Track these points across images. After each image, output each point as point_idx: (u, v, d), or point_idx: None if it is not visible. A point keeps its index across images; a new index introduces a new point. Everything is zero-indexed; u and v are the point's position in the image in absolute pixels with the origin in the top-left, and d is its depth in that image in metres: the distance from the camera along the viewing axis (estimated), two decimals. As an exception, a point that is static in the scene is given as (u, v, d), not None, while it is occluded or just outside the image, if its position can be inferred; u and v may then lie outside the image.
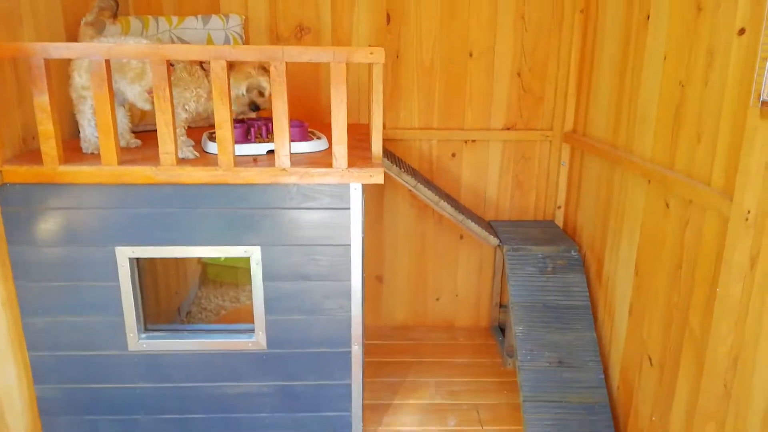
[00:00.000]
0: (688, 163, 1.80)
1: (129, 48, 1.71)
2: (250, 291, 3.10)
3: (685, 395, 1.78)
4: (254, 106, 2.04)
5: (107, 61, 1.70)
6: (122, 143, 2.09)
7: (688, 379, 1.77)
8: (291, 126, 1.87)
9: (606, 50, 2.47)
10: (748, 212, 1.48)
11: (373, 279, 3.13)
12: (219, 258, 3.09)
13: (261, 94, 2.03)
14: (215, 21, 2.54)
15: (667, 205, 1.92)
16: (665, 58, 1.96)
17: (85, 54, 1.72)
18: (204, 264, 3.17)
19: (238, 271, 3.09)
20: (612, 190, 2.38)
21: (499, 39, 2.80)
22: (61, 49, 1.71)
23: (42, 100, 1.71)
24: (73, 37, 2.28)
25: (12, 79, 1.89)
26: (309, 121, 2.38)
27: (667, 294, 1.91)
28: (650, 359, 2.02)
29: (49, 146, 1.75)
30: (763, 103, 1.42)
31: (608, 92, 2.44)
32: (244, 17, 2.62)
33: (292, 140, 1.93)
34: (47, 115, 1.72)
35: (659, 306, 1.96)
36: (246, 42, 2.66)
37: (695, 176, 1.76)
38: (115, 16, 2.26)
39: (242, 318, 3.01)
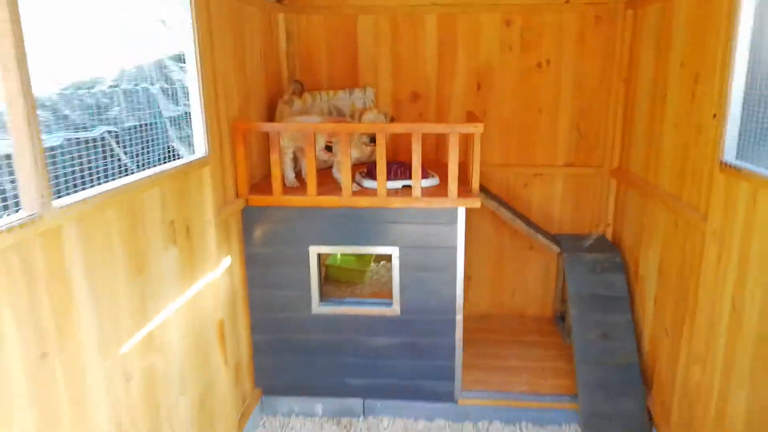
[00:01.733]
0: (690, 197, 2.70)
1: (327, 126, 2.84)
2: (362, 287, 4.11)
3: (685, 350, 2.66)
4: (373, 139, 2.89)
5: (314, 134, 2.82)
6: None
7: (687, 339, 2.65)
8: (420, 170, 2.90)
9: (640, 110, 3.38)
10: (715, 230, 2.38)
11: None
12: (337, 260, 4.18)
13: None
14: (357, 93, 3.65)
15: (677, 224, 2.82)
16: (675, 125, 2.87)
17: (302, 130, 2.85)
18: (327, 266, 4.24)
19: (352, 272, 4.14)
20: (645, 212, 3.27)
21: (561, 100, 3.77)
22: (289, 127, 2.85)
23: (275, 157, 2.85)
24: (271, 107, 3.45)
25: (248, 142, 3.05)
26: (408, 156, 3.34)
27: (678, 285, 2.80)
28: (666, 331, 2.90)
29: (277, 184, 2.88)
30: (721, 163, 2.33)
31: (642, 142, 3.34)
32: (375, 89, 3.73)
33: (420, 179, 2.98)
34: (276, 165, 2.86)
35: (673, 294, 2.85)
36: (376, 104, 3.76)
37: (693, 207, 2.65)
38: (301, 94, 3.43)
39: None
